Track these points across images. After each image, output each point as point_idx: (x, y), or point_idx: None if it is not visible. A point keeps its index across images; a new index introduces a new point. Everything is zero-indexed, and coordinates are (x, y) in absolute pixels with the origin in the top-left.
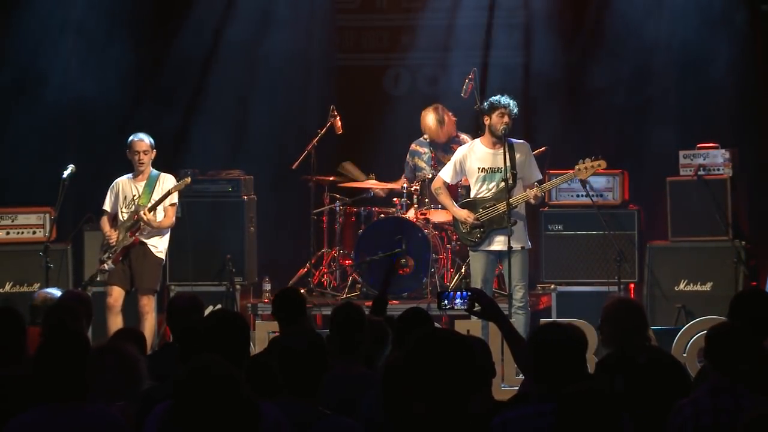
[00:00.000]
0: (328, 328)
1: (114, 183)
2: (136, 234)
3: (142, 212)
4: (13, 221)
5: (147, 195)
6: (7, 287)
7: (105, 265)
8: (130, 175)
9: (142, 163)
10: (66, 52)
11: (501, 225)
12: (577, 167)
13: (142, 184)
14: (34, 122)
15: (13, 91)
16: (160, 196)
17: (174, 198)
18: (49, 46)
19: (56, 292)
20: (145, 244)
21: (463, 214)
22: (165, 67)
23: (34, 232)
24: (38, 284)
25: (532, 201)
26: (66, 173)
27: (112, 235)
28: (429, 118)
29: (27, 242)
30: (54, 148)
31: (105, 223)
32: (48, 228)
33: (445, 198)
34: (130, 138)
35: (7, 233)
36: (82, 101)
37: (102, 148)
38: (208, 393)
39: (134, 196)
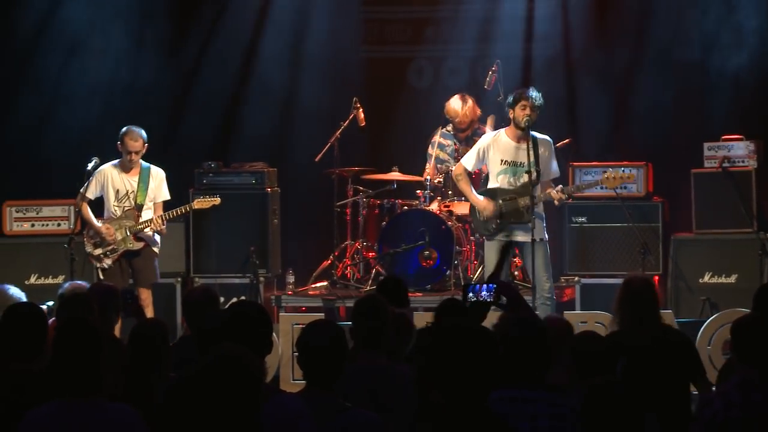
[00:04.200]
0: (350, 320)
1: (100, 171)
2: (142, 239)
3: (154, 224)
4: (38, 213)
5: (143, 191)
6: (32, 279)
7: (104, 263)
8: (116, 163)
9: (133, 162)
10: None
11: (520, 219)
12: (605, 175)
13: (135, 178)
14: (60, 116)
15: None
16: (154, 189)
17: (166, 194)
18: (82, 41)
19: (84, 284)
20: (149, 246)
21: (483, 204)
22: (192, 62)
23: (59, 225)
24: (63, 276)
25: (555, 203)
26: (90, 165)
27: (109, 234)
28: (454, 100)
29: (52, 234)
30: (79, 141)
31: (89, 212)
32: (72, 220)
33: (465, 185)
34: (123, 131)
35: (32, 225)
36: (110, 91)
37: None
38: (228, 379)
39: (128, 191)
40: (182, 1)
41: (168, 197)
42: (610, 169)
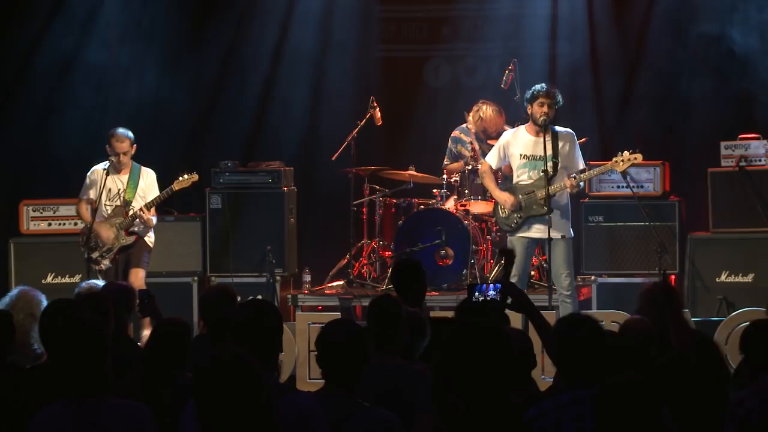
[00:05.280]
0: (365, 319)
1: (93, 171)
2: (134, 232)
3: (140, 211)
4: (54, 213)
5: (132, 189)
6: (49, 278)
7: (102, 264)
8: (106, 164)
9: (122, 163)
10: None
11: (538, 213)
12: (614, 159)
13: (125, 177)
14: (78, 116)
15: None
16: (144, 188)
17: (156, 193)
18: (102, 41)
19: (100, 283)
20: (141, 238)
21: (503, 197)
22: (207, 62)
23: (76, 224)
24: (79, 275)
25: (569, 190)
26: (107, 165)
27: (106, 236)
28: (487, 108)
29: (68, 233)
30: (97, 141)
31: (87, 214)
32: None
33: (489, 181)
34: (110, 133)
35: (49, 224)
36: (129, 93)
37: (141, 141)
38: (224, 380)
39: (119, 189)
40: (204, 3)
41: (158, 194)
42: (619, 153)
